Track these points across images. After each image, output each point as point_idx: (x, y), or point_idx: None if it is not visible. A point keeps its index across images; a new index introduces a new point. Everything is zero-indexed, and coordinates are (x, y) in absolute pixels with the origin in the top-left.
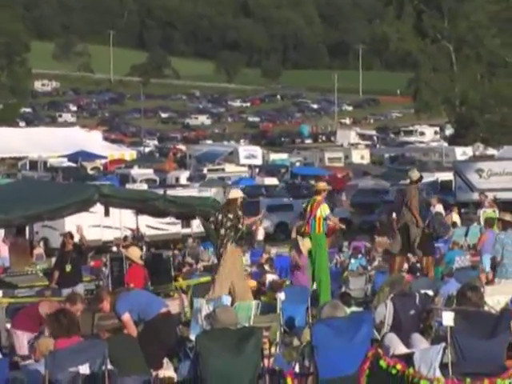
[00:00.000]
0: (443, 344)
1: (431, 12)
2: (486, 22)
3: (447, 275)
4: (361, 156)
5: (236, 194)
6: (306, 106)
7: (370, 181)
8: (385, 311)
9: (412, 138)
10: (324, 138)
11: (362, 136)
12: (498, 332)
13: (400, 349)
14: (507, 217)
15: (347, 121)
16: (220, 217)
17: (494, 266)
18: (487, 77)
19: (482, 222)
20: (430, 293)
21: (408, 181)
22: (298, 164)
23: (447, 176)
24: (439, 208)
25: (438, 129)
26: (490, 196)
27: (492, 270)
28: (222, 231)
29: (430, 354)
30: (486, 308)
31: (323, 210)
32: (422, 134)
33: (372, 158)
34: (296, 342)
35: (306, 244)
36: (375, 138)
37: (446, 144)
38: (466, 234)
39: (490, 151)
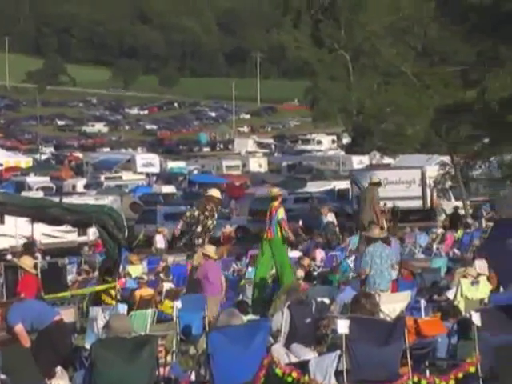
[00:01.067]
0: (338, 352)
1: (328, 21)
2: (381, 31)
3: (343, 283)
4: (258, 164)
5: (214, 192)
6: (203, 113)
7: (267, 189)
8: (281, 319)
9: (309, 147)
10: (222, 146)
11: (260, 144)
12: (392, 340)
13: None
14: (375, 232)
15: (245, 129)
16: (196, 214)
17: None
18: (383, 86)
19: None
20: (327, 301)
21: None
22: (195, 172)
23: (344, 184)
24: (331, 217)
25: (335, 137)
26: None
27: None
28: (199, 228)
29: (325, 361)
30: (381, 315)
31: (279, 213)
32: (320, 142)
33: (270, 166)
34: (192, 351)
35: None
36: (273, 146)
37: (342, 153)
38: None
39: (387, 160)
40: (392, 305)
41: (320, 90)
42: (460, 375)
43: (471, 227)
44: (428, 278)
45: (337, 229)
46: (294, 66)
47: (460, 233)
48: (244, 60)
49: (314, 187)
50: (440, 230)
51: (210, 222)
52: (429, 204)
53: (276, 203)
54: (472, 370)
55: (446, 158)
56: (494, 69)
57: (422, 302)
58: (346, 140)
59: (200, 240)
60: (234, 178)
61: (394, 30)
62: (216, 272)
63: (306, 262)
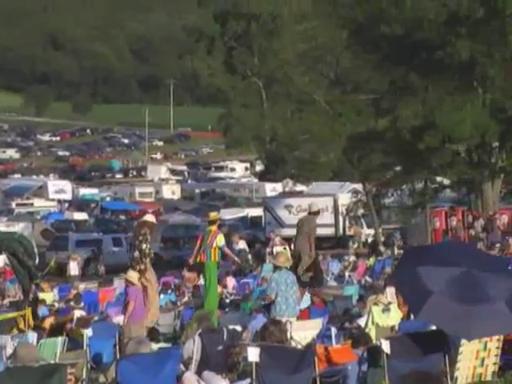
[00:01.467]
0: (248, 379)
1: (241, 49)
2: (294, 59)
3: (256, 310)
4: (171, 191)
5: (149, 217)
6: (116, 140)
7: (180, 216)
8: (192, 347)
9: (222, 174)
10: (135, 173)
11: (173, 171)
12: (302, 367)
13: None
14: (280, 260)
15: (158, 156)
16: (133, 240)
17: (268, 304)
18: (296, 114)
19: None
20: (238, 328)
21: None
22: (108, 199)
23: (257, 212)
24: (242, 244)
25: (248, 165)
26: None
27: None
28: (136, 253)
29: None
30: (292, 343)
31: (219, 239)
32: (233, 169)
33: (183, 193)
34: (102, 379)
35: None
36: (186, 173)
37: (256, 180)
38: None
39: (300, 187)
40: (303, 332)
41: (233, 117)
42: None
43: (383, 255)
44: (340, 306)
45: (249, 256)
46: (207, 92)
47: (372, 260)
48: (157, 87)
49: (227, 214)
50: (352, 258)
51: (144, 245)
52: (341, 231)
53: (214, 227)
54: None
55: (359, 186)
56: (405, 97)
57: (333, 330)
58: (259, 167)
59: (142, 265)
60: (147, 205)
61: (307, 58)
62: (139, 298)
63: (218, 289)
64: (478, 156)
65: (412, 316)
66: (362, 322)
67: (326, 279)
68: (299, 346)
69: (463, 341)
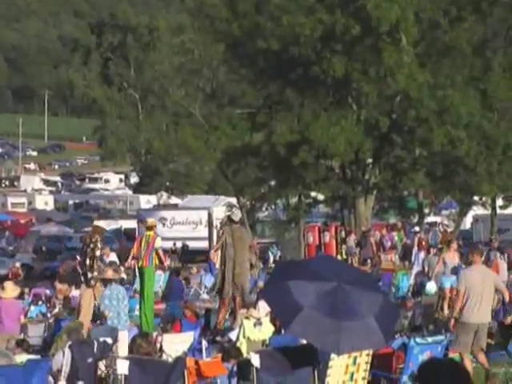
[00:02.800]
0: None
1: (118, 60)
2: (171, 72)
3: (130, 323)
4: (45, 202)
5: (99, 224)
6: None
7: (53, 227)
8: (62, 359)
9: (97, 185)
10: (7, 183)
11: (47, 182)
12: (171, 380)
13: None
14: (108, 274)
15: (32, 166)
16: (84, 248)
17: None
18: (172, 126)
19: None
20: (109, 340)
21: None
22: None
23: (131, 224)
24: (113, 257)
25: (123, 176)
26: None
27: None
28: (88, 261)
29: None
30: (164, 356)
31: (157, 242)
32: (107, 181)
33: (56, 204)
34: None
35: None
36: (60, 184)
37: (130, 192)
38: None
39: (174, 200)
40: (175, 345)
41: (108, 129)
42: None
43: (256, 269)
44: (213, 319)
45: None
46: (82, 103)
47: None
48: (31, 96)
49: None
50: None
51: (97, 252)
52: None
53: (152, 233)
54: None
55: (233, 200)
56: (281, 112)
57: (204, 343)
58: (133, 179)
59: (95, 272)
60: (20, 216)
61: (184, 71)
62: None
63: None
64: (351, 172)
65: (283, 330)
66: (233, 335)
67: (198, 292)
68: (170, 359)
69: (333, 355)
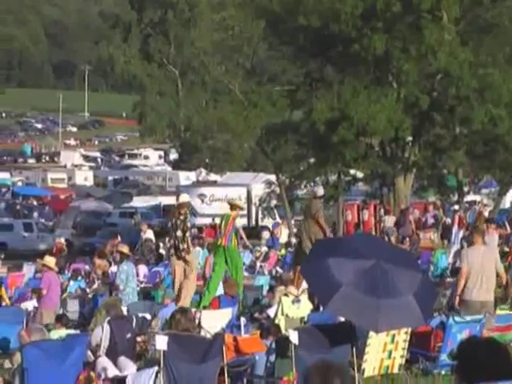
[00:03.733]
0: (156, 368)
1: (158, 37)
2: (210, 49)
3: (166, 299)
4: (84, 177)
5: (186, 197)
6: (29, 125)
7: (92, 202)
8: (101, 334)
9: (136, 162)
10: (47, 158)
11: (86, 157)
12: (210, 356)
13: (112, 372)
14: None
15: (72, 142)
16: (174, 220)
17: None
18: (211, 103)
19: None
20: (148, 316)
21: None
22: (19, 184)
23: (171, 200)
24: (150, 234)
25: (162, 153)
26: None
27: None
28: (179, 233)
29: (142, 377)
30: (202, 332)
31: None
32: (147, 157)
33: (95, 179)
34: (8, 365)
35: None
36: (99, 159)
37: (169, 168)
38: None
39: (213, 177)
40: (213, 322)
41: (148, 105)
42: None
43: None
44: (250, 296)
45: (153, 246)
46: (122, 79)
47: (283, 251)
48: (72, 72)
49: (139, 202)
50: (264, 248)
51: (188, 224)
52: (254, 222)
53: (234, 213)
54: None
55: (272, 177)
56: (320, 90)
57: (242, 320)
58: (173, 156)
59: (185, 244)
60: (60, 191)
61: (224, 48)
62: (56, 284)
63: None
64: (391, 150)
65: (321, 308)
66: (271, 312)
67: None
68: (208, 336)
69: (371, 333)
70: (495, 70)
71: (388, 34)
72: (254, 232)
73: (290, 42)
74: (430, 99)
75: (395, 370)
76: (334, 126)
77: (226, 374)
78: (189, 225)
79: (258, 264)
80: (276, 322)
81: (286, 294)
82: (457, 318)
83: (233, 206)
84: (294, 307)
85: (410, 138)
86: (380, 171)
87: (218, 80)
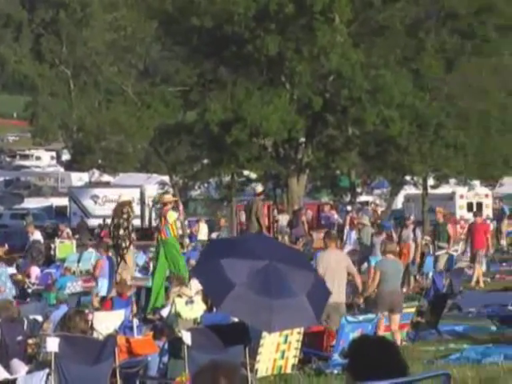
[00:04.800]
0: (47, 370)
1: (50, 36)
2: (103, 49)
3: (60, 301)
4: None
5: (126, 197)
6: None
7: None
8: None
9: (28, 162)
10: None
11: None
12: (101, 358)
13: (2, 375)
14: None
15: None
16: (116, 220)
17: None
18: (104, 104)
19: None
20: (40, 318)
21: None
22: None
23: (63, 201)
24: (37, 235)
25: (54, 154)
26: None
27: None
28: (121, 232)
29: (33, 379)
30: (94, 334)
31: (170, 216)
32: (39, 158)
33: None
34: None
35: None
36: None
37: (62, 169)
38: (79, 260)
39: (106, 178)
40: (105, 323)
41: (40, 106)
42: None
43: (188, 247)
44: (144, 298)
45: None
46: (13, 80)
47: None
48: None
49: (31, 203)
50: None
51: (131, 224)
52: (147, 223)
53: (167, 207)
54: None
55: (166, 178)
56: (214, 90)
57: (135, 321)
58: (65, 156)
59: (127, 243)
60: None
61: (116, 48)
62: None
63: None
64: (284, 151)
65: (214, 309)
66: (164, 313)
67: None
68: (100, 337)
69: (264, 333)
70: (387, 72)
71: (281, 35)
72: (147, 233)
73: (184, 43)
74: (323, 100)
75: (288, 370)
76: (228, 127)
77: (118, 376)
78: (131, 225)
79: (152, 265)
80: (169, 323)
81: (179, 295)
82: (349, 318)
83: (165, 203)
84: (187, 308)
85: (303, 139)
86: (273, 172)
87: (111, 80)
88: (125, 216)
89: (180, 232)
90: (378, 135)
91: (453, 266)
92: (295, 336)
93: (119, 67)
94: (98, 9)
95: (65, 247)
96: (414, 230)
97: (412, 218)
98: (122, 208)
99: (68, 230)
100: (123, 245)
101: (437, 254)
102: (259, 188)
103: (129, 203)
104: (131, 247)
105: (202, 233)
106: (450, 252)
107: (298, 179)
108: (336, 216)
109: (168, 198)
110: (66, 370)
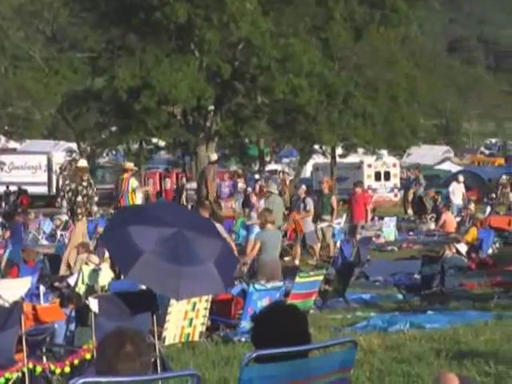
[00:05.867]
0: None
1: None
2: (10, 14)
3: None
4: None
5: (84, 163)
6: None
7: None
8: None
9: None
10: None
11: None
12: (7, 326)
13: None
14: None
15: None
16: (73, 185)
17: None
18: (11, 69)
19: None
20: None
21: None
22: None
23: None
24: None
25: None
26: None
27: None
28: (79, 198)
29: None
30: (0, 301)
31: (132, 183)
32: None
33: None
34: None
35: None
36: None
37: None
38: None
39: (13, 144)
40: (11, 291)
41: None
42: (76, 361)
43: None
44: (52, 265)
45: None
46: None
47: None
48: None
49: None
50: (64, 217)
51: (90, 191)
52: (54, 190)
53: (126, 175)
54: (88, 356)
55: (73, 145)
56: (122, 57)
57: (42, 289)
58: None
59: (83, 209)
60: None
61: (24, 13)
62: None
63: None
64: (193, 119)
65: (122, 276)
66: (71, 281)
67: (37, 237)
68: (6, 305)
69: (172, 301)
70: (296, 41)
71: (190, 2)
72: (53, 201)
73: (92, 9)
74: (232, 68)
75: (196, 338)
76: (136, 94)
77: (24, 343)
78: (91, 192)
79: (59, 233)
80: (76, 290)
81: (86, 263)
82: (257, 286)
83: (125, 169)
84: (94, 275)
85: (212, 107)
86: (182, 140)
87: (18, 46)
88: (84, 184)
89: (139, 201)
90: (287, 104)
91: (336, 240)
92: (203, 304)
93: (26, 32)
94: None
95: None
96: (303, 200)
97: (303, 187)
98: (82, 174)
99: None
100: (78, 211)
101: (319, 226)
102: (214, 156)
103: (87, 169)
104: (84, 216)
105: None
106: (333, 225)
107: (206, 147)
108: (241, 184)
109: (129, 165)
110: None
